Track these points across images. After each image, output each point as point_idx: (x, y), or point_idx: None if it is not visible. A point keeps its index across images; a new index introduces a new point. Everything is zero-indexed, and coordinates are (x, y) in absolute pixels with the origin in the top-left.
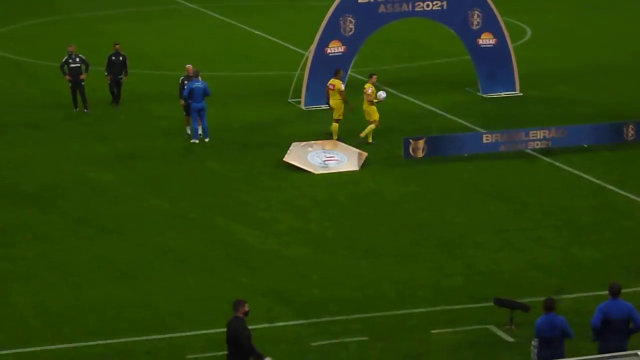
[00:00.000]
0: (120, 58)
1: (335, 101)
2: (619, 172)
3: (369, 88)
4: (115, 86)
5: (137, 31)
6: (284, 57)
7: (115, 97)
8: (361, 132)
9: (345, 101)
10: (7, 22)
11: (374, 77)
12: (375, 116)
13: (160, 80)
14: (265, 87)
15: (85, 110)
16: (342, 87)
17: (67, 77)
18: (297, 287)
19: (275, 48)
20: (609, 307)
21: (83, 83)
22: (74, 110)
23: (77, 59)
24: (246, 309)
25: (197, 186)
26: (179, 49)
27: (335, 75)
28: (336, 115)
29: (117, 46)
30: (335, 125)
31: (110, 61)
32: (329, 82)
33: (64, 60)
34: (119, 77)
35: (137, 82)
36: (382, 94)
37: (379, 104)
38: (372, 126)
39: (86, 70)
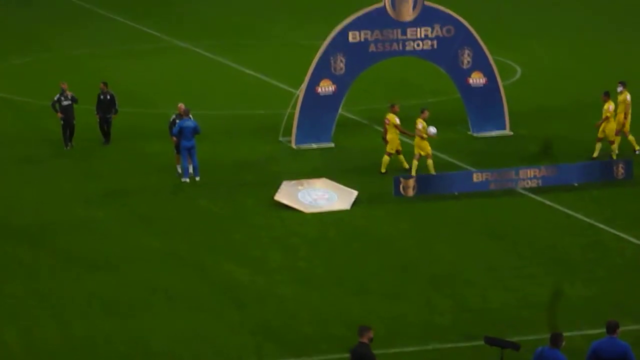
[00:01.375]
0: (108, 97)
1: (391, 135)
2: (609, 210)
3: (420, 123)
4: (105, 124)
5: (128, 69)
6: (275, 95)
7: (106, 135)
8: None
9: (404, 133)
10: None
11: (426, 112)
12: (428, 149)
13: (151, 118)
14: (256, 126)
15: (71, 145)
16: (397, 120)
17: (59, 115)
18: (287, 324)
19: (266, 86)
20: (603, 345)
21: (74, 121)
22: (66, 148)
23: (69, 97)
24: (371, 335)
25: (187, 224)
26: (169, 87)
27: (391, 109)
28: (389, 148)
29: (105, 85)
30: (386, 159)
31: (99, 100)
32: (385, 117)
33: (56, 98)
34: (108, 115)
35: (127, 120)
36: (432, 130)
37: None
38: (415, 162)
39: (75, 102)
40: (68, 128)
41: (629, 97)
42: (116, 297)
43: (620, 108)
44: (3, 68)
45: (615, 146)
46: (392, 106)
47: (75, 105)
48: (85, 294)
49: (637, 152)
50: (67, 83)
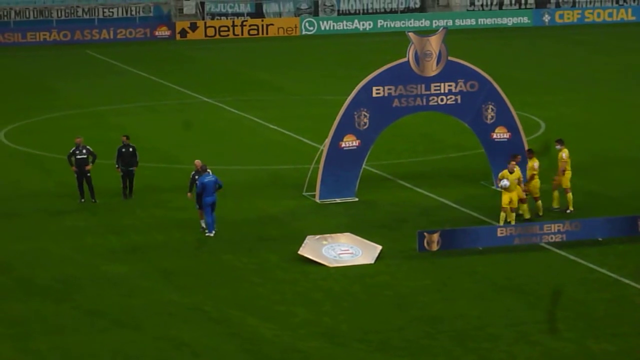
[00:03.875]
0: (130, 149)
1: (512, 182)
2: (634, 265)
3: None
4: (128, 177)
5: (151, 124)
6: (299, 150)
7: (129, 189)
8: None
9: (520, 183)
10: (22, 117)
11: (518, 158)
12: (505, 200)
13: (175, 173)
14: (280, 181)
15: (94, 201)
16: (535, 165)
17: (73, 169)
18: None
19: (290, 141)
20: None
21: (89, 174)
22: (81, 201)
23: (84, 151)
24: None
25: (211, 279)
26: (193, 142)
27: (513, 159)
28: (522, 195)
29: (125, 138)
30: (523, 206)
31: (119, 153)
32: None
33: (71, 151)
34: (131, 168)
35: (151, 175)
36: (504, 183)
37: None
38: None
39: (92, 162)
40: (83, 179)
41: (564, 154)
42: (140, 352)
43: (559, 165)
44: (29, 124)
45: (540, 203)
46: (513, 156)
47: (97, 161)
48: (110, 350)
49: (568, 212)
50: (90, 139)
